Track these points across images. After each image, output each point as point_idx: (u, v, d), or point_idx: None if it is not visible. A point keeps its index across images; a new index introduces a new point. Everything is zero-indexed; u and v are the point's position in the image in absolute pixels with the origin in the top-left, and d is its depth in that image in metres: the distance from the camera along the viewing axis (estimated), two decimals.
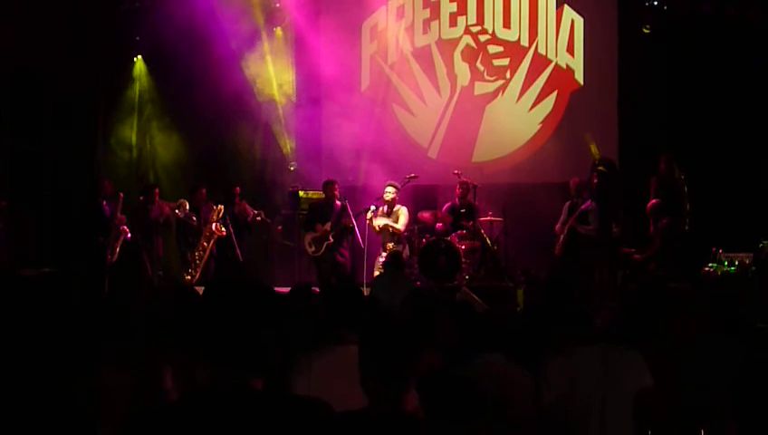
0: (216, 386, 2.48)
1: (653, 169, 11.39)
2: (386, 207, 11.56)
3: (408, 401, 2.82)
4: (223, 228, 11.69)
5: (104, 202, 11.49)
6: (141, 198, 11.78)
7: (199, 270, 11.60)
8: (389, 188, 11.57)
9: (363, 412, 2.78)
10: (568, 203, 11.62)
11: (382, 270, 10.61)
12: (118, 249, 11.31)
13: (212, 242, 11.70)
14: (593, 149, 11.98)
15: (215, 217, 11.67)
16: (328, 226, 11.59)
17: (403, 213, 11.54)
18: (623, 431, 3.89)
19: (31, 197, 12.41)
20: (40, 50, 11.70)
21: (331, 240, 11.55)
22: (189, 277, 11.54)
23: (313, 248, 11.66)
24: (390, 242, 11.38)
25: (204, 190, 12.08)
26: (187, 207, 11.65)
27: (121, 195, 11.44)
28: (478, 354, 4.08)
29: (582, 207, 11.29)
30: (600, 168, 11.50)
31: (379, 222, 11.48)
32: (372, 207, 11.56)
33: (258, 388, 2.49)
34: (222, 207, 11.75)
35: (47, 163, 12.73)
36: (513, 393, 3.95)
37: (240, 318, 2.51)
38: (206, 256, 11.68)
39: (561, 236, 11.40)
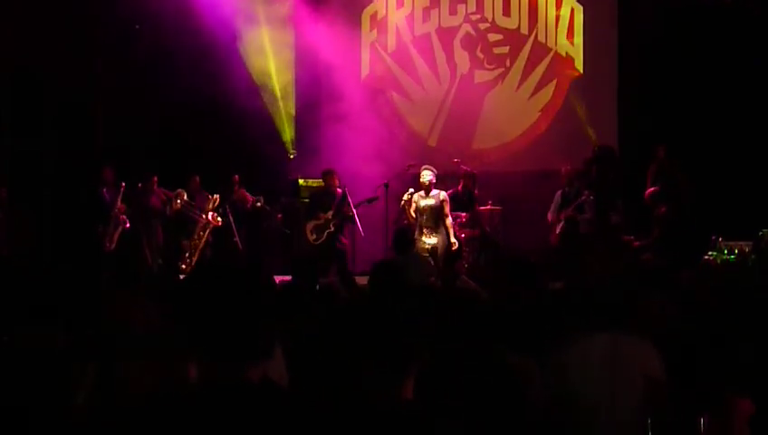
0: (212, 380, 2.46)
1: (653, 157, 11.41)
2: (423, 192, 10.51)
3: (406, 391, 2.82)
4: (219, 218, 11.68)
5: (104, 190, 11.47)
6: (140, 184, 11.73)
7: (194, 259, 11.58)
8: (426, 172, 10.55)
9: (361, 404, 2.78)
10: (560, 192, 11.63)
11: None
12: (116, 238, 11.29)
13: (208, 231, 11.68)
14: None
15: (210, 207, 11.67)
16: (329, 214, 11.62)
17: (446, 200, 10.53)
18: (633, 422, 3.89)
19: (31, 196, 12.39)
20: (40, 50, 11.68)
21: (332, 228, 11.58)
22: (184, 266, 11.53)
23: (315, 236, 11.70)
24: (426, 227, 10.43)
25: (197, 178, 12.04)
26: (185, 196, 11.64)
27: (123, 184, 11.43)
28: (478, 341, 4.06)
29: (581, 199, 11.29)
30: (593, 154, 11.55)
31: (425, 202, 10.48)
32: (411, 190, 10.61)
33: (255, 378, 2.46)
34: (218, 196, 11.74)
35: (47, 162, 12.72)
36: (517, 382, 3.93)
37: (234, 307, 2.48)
38: (201, 245, 11.66)
39: (558, 227, 11.40)
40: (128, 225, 11.36)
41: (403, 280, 5.68)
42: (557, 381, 3.96)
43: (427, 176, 10.47)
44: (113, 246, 11.25)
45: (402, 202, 10.64)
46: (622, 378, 3.89)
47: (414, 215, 10.50)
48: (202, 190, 11.95)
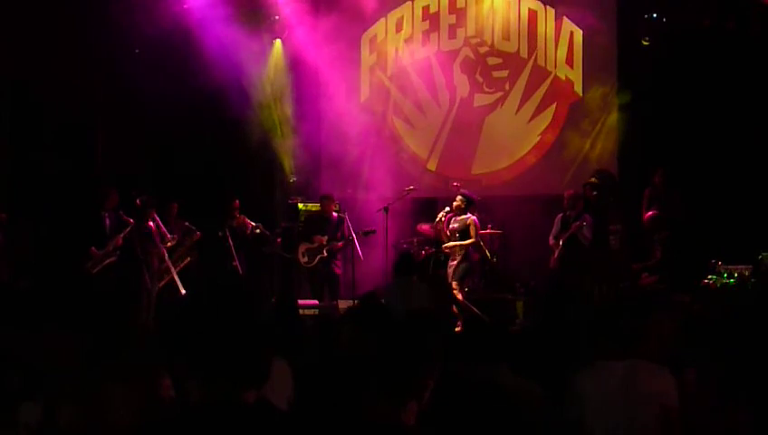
0: (208, 399, 2.45)
1: (650, 181, 11.43)
2: (455, 216, 10.86)
3: (408, 415, 2.80)
4: (188, 258, 11.68)
5: (106, 214, 11.39)
6: (138, 201, 11.56)
7: (161, 284, 11.45)
8: (458, 196, 10.93)
9: (361, 426, 2.76)
10: (560, 215, 11.59)
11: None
12: (98, 267, 11.14)
13: (180, 266, 11.59)
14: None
15: (190, 242, 11.65)
16: (324, 239, 11.64)
17: (473, 224, 10.80)
18: None
19: (31, 207, 12.36)
20: (39, 62, 11.70)
21: (325, 254, 11.60)
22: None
23: (306, 259, 11.73)
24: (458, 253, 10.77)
25: (175, 206, 11.96)
26: (174, 241, 11.59)
27: (131, 221, 11.32)
28: (483, 364, 4.04)
29: (578, 223, 11.24)
30: (593, 179, 11.53)
31: (451, 225, 10.88)
32: (446, 209, 10.90)
33: (250, 401, 2.46)
34: (200, 234, 11.71)
35: (48, 174, 12.69)
36: (519, 404, 3.91)
37: (231, 330, 2.47)
38: (172, 273, 11.51)
39: (557, 250, 11.37)
40: (114, 259, 11.24)
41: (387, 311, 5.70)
42: (572, 410, 3.93)
43: (456, 200, 10.84)
44: (95, 270, 11.12)
45: (436, 220, 10.93)
46: (639, 408, 3.85)
47: (449, 235, 10.82)
48: (179, 220, 11.87)
